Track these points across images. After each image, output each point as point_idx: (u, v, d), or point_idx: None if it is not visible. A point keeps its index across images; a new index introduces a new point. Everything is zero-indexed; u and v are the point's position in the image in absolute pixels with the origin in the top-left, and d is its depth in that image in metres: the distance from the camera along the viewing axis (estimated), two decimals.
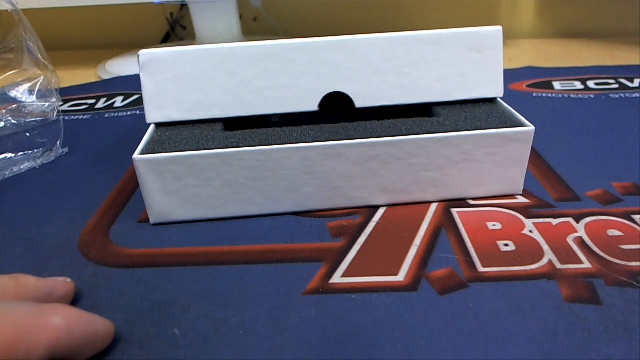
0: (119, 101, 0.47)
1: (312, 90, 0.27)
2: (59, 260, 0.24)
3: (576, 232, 0.24)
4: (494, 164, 0.26)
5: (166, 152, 0.24)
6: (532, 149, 0.33)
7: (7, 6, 0.34)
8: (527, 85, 0.47)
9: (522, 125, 0.26)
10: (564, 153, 0.32)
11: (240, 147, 0.24)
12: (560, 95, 0.44)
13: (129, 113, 0.44)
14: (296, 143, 0.25)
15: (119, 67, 0.58)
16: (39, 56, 0.35)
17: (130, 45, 0.71)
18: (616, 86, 0.45)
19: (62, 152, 0.36)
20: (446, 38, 0.27)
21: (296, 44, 0.27)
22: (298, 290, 0.21)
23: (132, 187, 0.30)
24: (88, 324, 0.17)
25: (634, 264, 0.22)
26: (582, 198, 0.27)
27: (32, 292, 0.19)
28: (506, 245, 0.24)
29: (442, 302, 0.20)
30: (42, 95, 0.36)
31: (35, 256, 0.24)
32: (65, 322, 0.16)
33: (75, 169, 0.33)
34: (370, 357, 0.18)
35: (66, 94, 0.50)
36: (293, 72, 0.27)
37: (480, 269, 0.22)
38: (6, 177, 0.32)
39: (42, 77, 0.36)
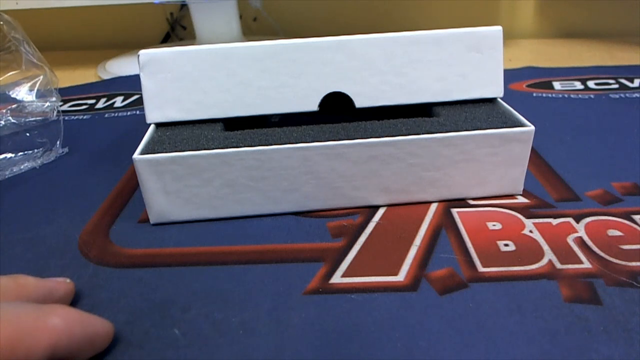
0: (119, 101, 0.47)
1: (312, 90, 0.27)
2: (59, 260, 0.24)
3: (576, 232, 0.24)
4: (494, 164, 0.26)
5: (166, 152, 0.24)
6: (532, 149, 0.33)
7: None
8: (527, 85, 0.47)
9: (522, 125, 0.26)
10: (564, 153, 0.32)
11: (240, 147, 0.24)
12: (560, 95, 0.44)
13: (129, 113, 0.44)
14: (296, 143, 0.25)
15: (119, 67, 0.58)
16: (35, 60, 0.35)
17: (130, 45, 0.71)
18: (616, 86, 0.45)
19: (62, 152, 0.36)
20: (446, 38, 0.27)
21: (296, 44, 0.27)
22: (298, 290, 0.21)
23: (132, 187, 0.30)
24: (87, 325, 0.17)
25: (634, 264, 0.22)
26: (582, 198, 0.27)
27: (31, 292, 0.19)
28: (506, 245, 0.24)
29: (442, 302, 0.20)
30: (42, 94, 0.36)
31: (35, 256, 0.24)
32: (64, 322, 0.16)
33: (75, 169, 0.33)
34: (370, 357, 0.18)
35: (66, 94, 0.49)
36: (293, 72, 0.27)
37: (480, 269, 0.22)
38: (6, 177, 0.32)
39: (42, 77, 0.36)
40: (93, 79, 0.56)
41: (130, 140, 0.38)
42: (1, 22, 0.34)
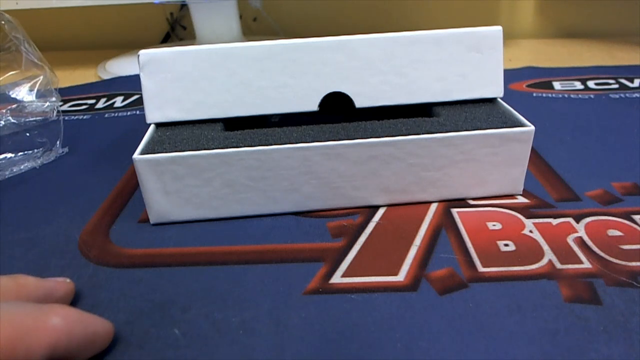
0: (119, 101, 0.47)
1: (312, 90, 0.27)
2: (59, 260, 0.24)
3: (576, 232, 0.24)
4: (494, 164, 0.26)
5: (166, 152, 0.24)
6: (532, 149, 0.33)
7: None
8: (527, 85, 0.47)
9: (522, 125, 0.26)
10: (564, 153, 0.32)
11: (240, 147, 0.24)
12: (560, 95, 0.44)
13: (129, 113, 0.44)
14: (296, 143, 0.25)
15: (119, 67, 0.58)
16: (35, 60, 0.35)
17: (130, 45, 0.71)
18: (616, 86, 0.45)
19: (62, 152, 0.36)
20: (446, 38, 0.27)
21: (296, 44, 0.27)
22: (298, 290, 0.21)
23: (132, 187, 0.30)
24: (87, 325, 0.17)
25: (634, 264, 0.22)
26: (582, 198, 0.27)
27: (32, 292, 0.19)
28: (506, 245, 0.24)
29: (442, 302, 0.20)
30: (42, 94, 0.36)
31: (35, 256, 0.24)
32: (64, 322, 0.16)
33: (75, 169, 0.33)
34: (370, 357, 0.18)
35: (66, 94, 0.50)
36: (293, 72, 0.27)
37: (480, 269, 0.22)
38: (6, 177, 0.32)
39: (42, 77, 0.36)
40: (93, 79, 0.56)
41: (130, 140, 0.38)
42: (2, 22, 0.34)
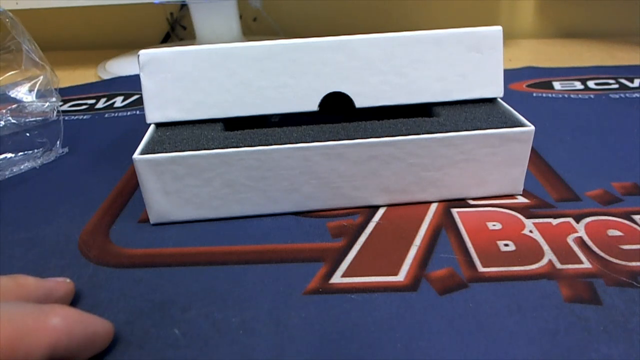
0: (119, 101, 0.47)
1: (312, 90, 0.27)
2: (59, 260, 0.24)
3: (576, 232, 0.24)
4: (494, 164, 0.26)
5: (166, 152, 0.24)
6: (532, 149, 0.33)
7: None
8: (527, 85, 0.47)
9: (522, 125, 0.26)
10: (564, 153, 0.32)
11: (240, 147, 0.24)
12: (560, 95, 0.44)
13: (129, 113, 0.44)
14: (296, 143, 0.25)
15: (119, 67, 0.58)
16: (36, 58, 0.35)
17: (130, 45, 0.71)
18: (616, 86, 0.45)
19: (62, 152, 0.36)
20: (446, 38, 0.27)
21: (296, 44, 0.27)
22: (298, 290, 0.21)
23: (132, 187, 0.30)
24: (87, 325, 0.17)
25: (634, 264, 0.22)
26: (582, 198, 0.27)
27: (31, 292, 0.19)
28: (506, 245, 0.24)
29: (442, 302, 0.20)
30: (42, 95, 0.36)
31: (35, 256, 0.24)
32: (64, 322, 0.16)
33: (75, 169, 0.33)
34: (370, 357, 0.18)
35: (66, 94, 0.50)
36: (293, 72, 0.27)
37: (480, 269, 0.22)
38: (6, 177, 0.32)
39: (42, 77, 0.36)
40: (93, 79, 0.56)
41: (130, 140, 0.38)
42: (7, 20, 0.34)
